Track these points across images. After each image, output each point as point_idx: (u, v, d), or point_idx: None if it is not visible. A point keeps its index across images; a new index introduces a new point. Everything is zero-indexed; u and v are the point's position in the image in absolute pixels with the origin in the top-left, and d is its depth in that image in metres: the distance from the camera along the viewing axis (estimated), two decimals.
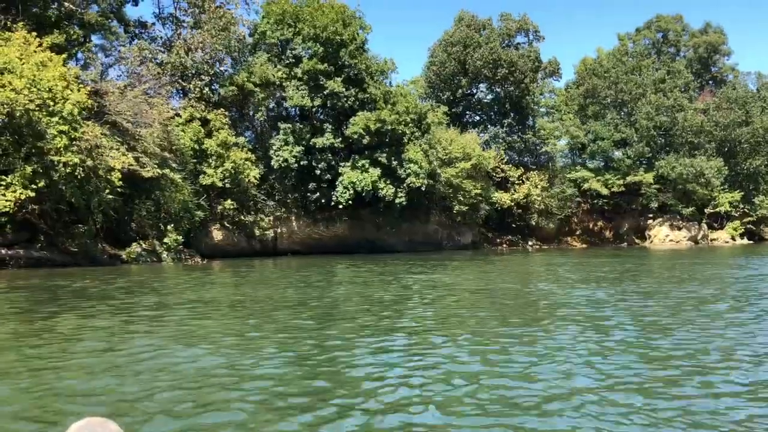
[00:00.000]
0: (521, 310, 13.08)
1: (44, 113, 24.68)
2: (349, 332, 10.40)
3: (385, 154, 42.03)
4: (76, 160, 25.14)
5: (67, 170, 25.05)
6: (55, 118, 24.89)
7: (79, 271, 26.02)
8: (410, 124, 42.98)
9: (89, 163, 26.03)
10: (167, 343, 9.55)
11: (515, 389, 6.81)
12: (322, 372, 7.71)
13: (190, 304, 14.40)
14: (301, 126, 42.39)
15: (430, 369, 7.75)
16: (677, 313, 12.26)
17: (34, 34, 27.03)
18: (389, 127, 41.71)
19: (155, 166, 31.17)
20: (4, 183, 24.64)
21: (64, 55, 27.19)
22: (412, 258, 35.71)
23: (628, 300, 14.55)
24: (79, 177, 25.63)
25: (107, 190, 27.63)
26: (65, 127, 24.94)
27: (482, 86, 59.63)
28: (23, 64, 24.90)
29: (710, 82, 73.25)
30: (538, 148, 60.66)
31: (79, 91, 26.01)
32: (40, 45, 27.02)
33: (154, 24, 42.28)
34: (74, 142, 25.28)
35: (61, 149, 24.89)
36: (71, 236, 31.24)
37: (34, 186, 24.81)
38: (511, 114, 58.01)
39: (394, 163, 42.04)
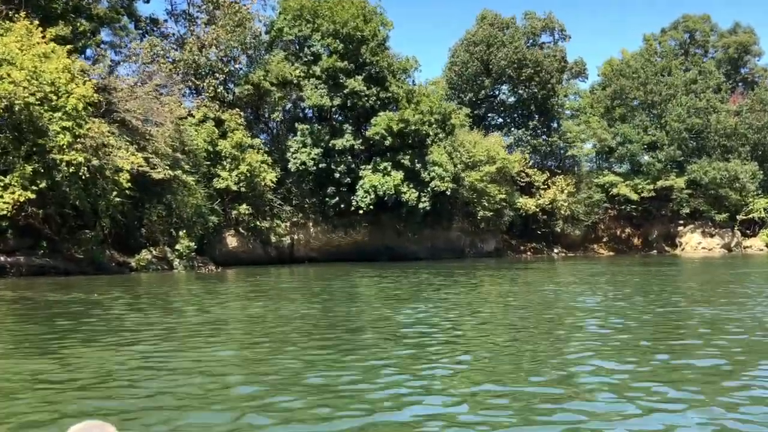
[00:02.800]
0: (642, 334, 10.80)
1: (46, 108, 22.70)
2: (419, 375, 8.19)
3: (408, 157, 39.85)
4: (81, 159, 23.10)
5: (71, 170, 23.01)
6: (58, 114, 22.89)
7: (84, 280, 24.01)
8: (434, 125, 40.79)
9: (95, 162, 24.01)
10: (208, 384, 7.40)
11: None
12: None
13: (214, 327, 12.24)
14: (320, 127, 40.32)
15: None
16: None
17: (37, 23, 25.10)
18: (413, 128, 39.55)
19: (166, 167, 29.16)
20: (2, 184, 22.63)
21: (68, 47, 25.18)
22: (437, 266, 33.46)
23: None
24: (83, 177, 23.60)
25: (114, 193, 25.57)
26: (69, 123, 22.93)
27: (505, 88, 57.36)
28: (24, 54, 22.92)
29: (740, 83, 70.56)
30: (563, 151, 58.31)
31: (84, 84, 23.95)
32: (44, 37, 25.07)
33: (166, 21, 40.48)
34: (78, 140, 23.27)
35: (65, 147, 22.87)
36: (77, 242, 29.31)
37: (34, 187, 22.79)
38: (536, 116, 55.67)
39: (418, 165, 39.83)
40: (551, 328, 11.27)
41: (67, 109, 22.94)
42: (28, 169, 22.59)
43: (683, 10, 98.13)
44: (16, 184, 22.42)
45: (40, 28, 24.90)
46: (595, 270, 30.41)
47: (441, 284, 21.44)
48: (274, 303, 15.90)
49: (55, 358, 8.73)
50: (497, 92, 57.58)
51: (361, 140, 40.57)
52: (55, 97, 22.95)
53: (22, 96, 21.89)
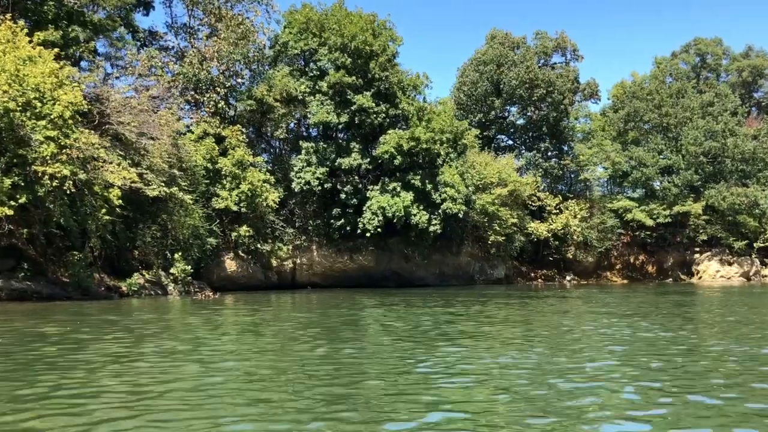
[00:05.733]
0: None
1: (29, 115, 20.57)
2: None
3: (418, 177, 37.67)
4: (66, 172, 20.91)
5: (54, 183, 20.79)
6: (42, 122, 20.74)
7: (65, 306, 21.73)
8: (445, 144, 38.72)
9: (82, 176, 21.81)
10: None
11: None
12: None
13: (204, 381, 9.96)
14: (325, 145, 38.23)
15: None
16: None
17: (22, 23, 23.09)
18: (423, 147, 37.47)
19: (162, 184, 27.00)
20: None
21: (56, 50, 23.10)
22: (449, 294, 31.16)
23: None
24: (68, 192, 21.38)
25: (104, 210, 23.35)
26: (54, 133, 20.78)
27: (514, 109, 55.44)
28: (5, 56, 20.84)
29: (754, 108, 68.87)
30: (574, 175, 56.29)
31: (73, 90, 21.83)
32: (31, 41, 23.04)
33: (166, 33, 38.63)
34: (64, 151, 21.09)
35: (48, 158, 20.68)
36: (64, 265, 27.06)
37: (13, 202, 20.55)
38: (547, 138, 53.68)
39: (429, 186, 37.63)
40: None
41: (52, 117, 20.79)
42: (7, 182, 20.38)
43: (693, 34, 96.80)
44: None
45: (26, 30, 22.85)
46: (624, 299, 28.06)
47: (463, 316, 19.15)
48: (276, 343, 13.59)
49: None
50: (507, 113, 55.69)
51: (368, 159, 38.47)
52: (39, 104, 20.85)
53: (1, 101, 19.79)
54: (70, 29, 26.74)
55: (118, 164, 24.70)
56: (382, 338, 13.58)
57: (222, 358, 10.82)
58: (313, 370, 9.47)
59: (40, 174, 20.67)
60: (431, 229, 37.99)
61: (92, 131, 24.61)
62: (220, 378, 8.97)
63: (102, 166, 23.61)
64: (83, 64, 31.74)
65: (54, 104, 20.97)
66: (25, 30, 22.88)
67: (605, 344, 12.26)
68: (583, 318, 18.45)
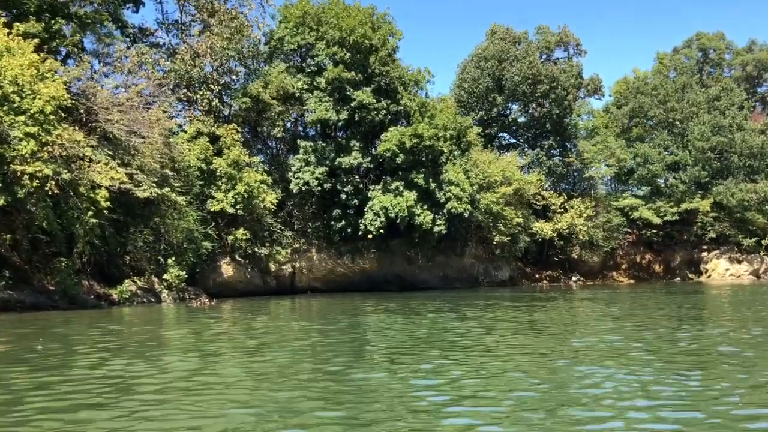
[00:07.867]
0: None
1: (6, 110, 19.01)
2: None
3: (421, 176, 36.14)
4: (48, 171, 19.35)
5: (35, 184, 19.21)
6: (22, 117, 19.18)
7: (50, 316, 20.13)
8: (449, 141, 37.26)
9: (66, 176, 20.24)
10: None
11: None
12: None
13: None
14: (324, 144, 36.71)
15: None
16: None
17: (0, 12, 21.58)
18: (427, 144, 35.97)
19: (153, 185, 25.44)
20: None
21: (36, 41, 21.54)
22: (456, 297, 29.66)
23: None
24: (51, 193, 19.81)
25: (90, 213, 21.77)
26: (34, 129, 19.21)
27: (516, 106, 54.00)
28: None
29: (758, 102, 67.59)
30: (578, 173, 54.92)
31: (54, 83, 20.25)
32: (9, 33, 21.48)
33: (157, 30, 37.05)
34: (45, 148, 19.53)
35: (28, 157, 19.11)
36: (50, 272, 25.44)
37: None
38: (551, 135, 52.27)
39: (433, 185, 36.11)
40: None
41: (32, 112, 19.22)
42: None
43: (694, 29, 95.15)
44: None
45: (4, 20, 21.28)
46: (646, 300, 26.59)
47: (486, 324, 17.64)
48: (273, 363, 12.03)
49: None
50: (509, 111, 54.24)
51: (369, 158, 36.96)
52: (18, 98, 19.28)
53: None
54: (53, 22, 25.17)
55: (106, 164, 23.15)
56: (399, 355, 12.07)
57: (206, 385, 9.30)
58: (313, 401, 7.97)
59: (19, 173, 19.07)
60: (436, 229, 36.51)
61: (77, 129, 23.05)
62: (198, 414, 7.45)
63: (88, 166, 22.09)
64: (70, 62, 30.21)
65: (34, 98, 19.42)
66: (3, 20, 21.32)
67: (667, 359, 10.78)
68: (611, 323, 16.96)
